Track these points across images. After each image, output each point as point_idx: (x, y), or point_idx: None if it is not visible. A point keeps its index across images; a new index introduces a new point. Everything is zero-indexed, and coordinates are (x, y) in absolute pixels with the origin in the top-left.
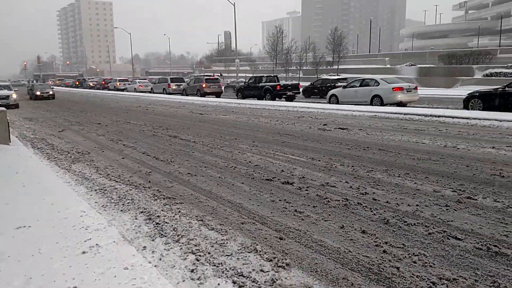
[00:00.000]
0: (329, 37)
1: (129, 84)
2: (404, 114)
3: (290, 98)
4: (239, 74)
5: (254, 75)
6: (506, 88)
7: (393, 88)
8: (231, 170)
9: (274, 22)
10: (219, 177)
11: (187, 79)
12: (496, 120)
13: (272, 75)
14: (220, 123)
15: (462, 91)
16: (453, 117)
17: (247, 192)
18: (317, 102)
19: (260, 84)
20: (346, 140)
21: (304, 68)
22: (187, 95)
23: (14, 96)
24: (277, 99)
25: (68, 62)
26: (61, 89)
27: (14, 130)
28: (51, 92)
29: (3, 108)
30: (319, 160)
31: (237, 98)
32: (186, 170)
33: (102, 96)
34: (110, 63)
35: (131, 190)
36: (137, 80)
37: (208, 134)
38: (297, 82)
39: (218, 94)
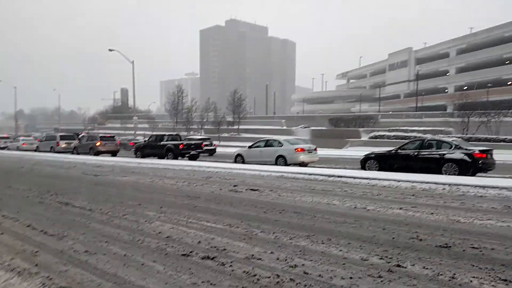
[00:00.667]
0: (229, 98)
1: (10, 141)
2: (309, 174)
3: (194, 157)
4: (138, 132)
5: (155, 133)
6: (398, 150)
7: (295, 149)
8: (139, 245)
9: (172, 82)
10: (125, 255)
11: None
12: (394, 180)
13: (174, 133)
14: (119, 186)
15: (352, 152)
16: (354, 178)
17: (161, 273)
18: (222, 162)
19: (162, 142)
20: (260, 203)
21: (206, 127)
22: (78, 153)
23: None
24: (179, 158)
25: None
26: None
27: None
28: None
29: None
30: (238, 227)
31: (136, 157)
32: (83, 247)
33: None
34: None
35: (12, 278)
36: (21, 138)
37: (106, 199)
38: (201, 141)
39: (114, 153)
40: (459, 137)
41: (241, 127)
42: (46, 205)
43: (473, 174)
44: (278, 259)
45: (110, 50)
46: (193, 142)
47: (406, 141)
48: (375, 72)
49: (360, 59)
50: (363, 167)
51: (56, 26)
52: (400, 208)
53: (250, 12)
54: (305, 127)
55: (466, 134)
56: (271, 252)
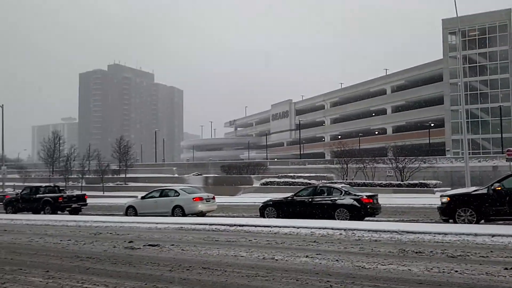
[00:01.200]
0: (115, 145)
1: None
2: (210, 224)
3: (76, 211)
4: (7, 183)
5: (29, 184)
6: (294, 197)
7: (193, 198)
8: None
9: (47, 127)
10: None
11: None
12: (293, 227)
13: (52, 184)
14: None
15: (245, 199)
16: (256, 226)
17: None
18: (100, 215)
19: (38, 195)
20: (163, 260)
21: (87, 176)
22: None
23: None
24: (59, 212)
25: None
26: None
27: None
28: None
29: None
30: None
31: (7, 213)
32: None
33: None
34: None
35: None
36: None
37: None
38: (84, 193)
39: None
40: (347, 183)
41: (128, 175)
42: None
43: (362, 219)
44: None
45: None
46: (74, 194)
47: (296, 187)
48: (260, 121)
49: (246, 108)
50: (262, 215)
51: None
52: (307, 256)
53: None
54: (197, 175)
55: (346, 179)
56: None
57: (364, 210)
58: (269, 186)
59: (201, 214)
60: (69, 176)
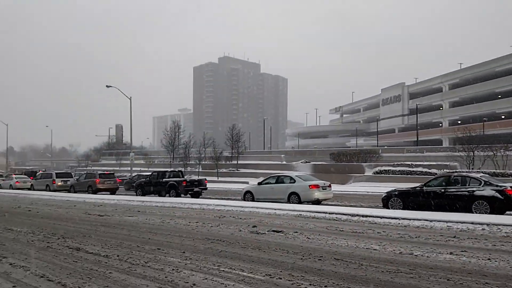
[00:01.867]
0: (227, 133)
1: (3, 180)
2: (329, 213)
3: (196, 195)
4: (134, 168)
5: (157, 169)
6: (424, 187)
7: (309, 186)
8: None
9: (165, 117)
10: None
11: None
12: (426, 220)
13: (176, 170)
14: (129, 227)
15: (357, 188)
16: (381, 217)
17: None
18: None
19: (164, 179)
20: (290, 247)
21: (204, 162)
22: (75, 192)
23: None
24: (182, 195)
25: None
26: None
27: None
28: None
29: None
30: (280, 278)
31: (137, 195)
32: None
33: None
34: None
35: None
36: (14, 176)
37: (119, 243)
38: (204, 178)
39: (113, 191)
40: (487, 173)
41: (239, 162)
42: (55, 251)
43: (503, 212)
44: None
45: (108, 86)
46: (196, 178)
47: (414, 176)
48: (368, 106)
49: (352, 94)
50: (386, 205)
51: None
52: (450, 253)
53: (242, 49)
54: (305, 162)
55: (472, 168)
56: None
57: (508, 203)
58: (383, 175)
59: (317, 202)
60: (187, 162)
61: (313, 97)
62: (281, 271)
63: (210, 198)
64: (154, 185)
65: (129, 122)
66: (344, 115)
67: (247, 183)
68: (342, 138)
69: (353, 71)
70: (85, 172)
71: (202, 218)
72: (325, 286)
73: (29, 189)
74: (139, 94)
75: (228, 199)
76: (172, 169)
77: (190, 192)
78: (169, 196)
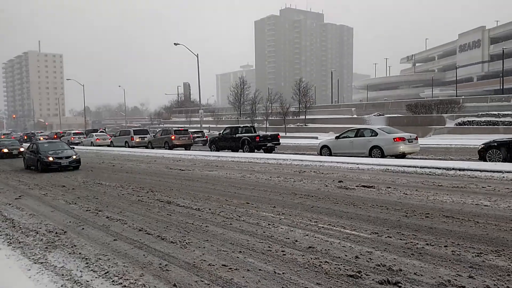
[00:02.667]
0: (294, 88)
1: (84, 137)
2: (420, 167)
3: (270, 150)
4: (203, 125)
5: (230, 125)
6: None
7: (394, 139)
8: (281, 258)
9: (228, 75)
10: (275, 272)
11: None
12: None
13: (249, 125)
14: (212, 181)
15: (438, 141)
16: (481, 171)
17: None
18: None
19: (237, 135)
20: (388, 203)
21: (271, 118)
22: (152, 148)
23: None
24: (255, 150)
25: (14, 116)
26: None
27: None
28: (21, 149)
29: None
30: (389, 236)
31: (210, 150)
32: (216, 259)
33: None
34: (60, 116)
35: None
36: (94, 133)
37: (207, 197)
38: (277, 133)
39: (187, 146)
40: None
41: (307, 117)
42: (146, 204)
43: None
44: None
45: (176, 44)
46: (269, 134)
47: (503, 127)
48: (444, 54)
49: (426, 41)
50: (483, 158)
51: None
52: None
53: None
54: (378, 115)
55: None
56: (470, 277)
57: None
58: (466, 126)
59: (401, 155)
60: (254, 118)
61: (381, 47)
62: (387, 229)
63: (282, 153)
64: (227, 140)
65: (197, 80)
66: (417, 64)
67: (315, 138)
68: (414, 89)
69: (426, 17)
70: (160, 129)
71: (282, 173)
72: (445, 246)
73: (108, 145)
74: (202, 52)
75: (302, 154)
76: (244, 125)
77: (263, 148)
78: (243, 152)
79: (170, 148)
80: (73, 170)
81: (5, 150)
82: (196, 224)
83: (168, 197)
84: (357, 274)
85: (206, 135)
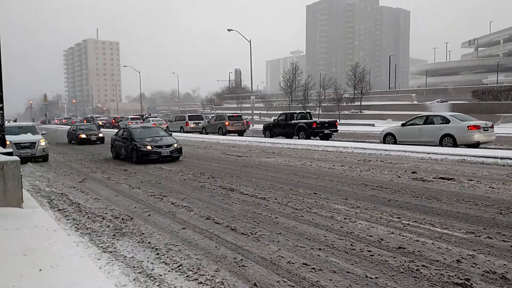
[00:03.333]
0: (349, 73)
1: (141, 122)
2: (501, 158)
3: (326, 137)
4: (255, 111)
5: (285, 112)
6: None
7: (468, 127)
8: (369, 259)
9: (277, 61)
10: (366, 277)
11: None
12: None
13: (304, 111)
14: (271, 168)
15: (509, 129)
16: None
17: None
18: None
19: (292, 121)
20: (475, 198)
21: (324, 104)
22: (207, 133)
23: (43, 142)
24: (311, 138)
25: (74, 101)
26: (67, 127)
27: (24, 180)
28: (100, 135)
29: (15, 158)
30: (489, 237)
31: (264, 137)
32: (294, 256)
33: None
34: (117, 102)
35: None
36: (150, 118)
37: (270, 185)
38: (335, 119)
39: (241, 133)
40: None
41: (362, 103)
42: (209, 190)
43: None
44: None
45: (229, 30)
46: (326, 120)
47: None
48: (510, 37)
49: (490, 24)
50: None
51: (169, 6)
52: None
53: None
54: (441, 101)
55: None
56: None
57: None
58: None
59: (475, 145)
60: (306, 105)
61: (440, 32)
62: (484, 228)
63: (339, 141)
64: (282, 127)
65: (247, 66)
66: (480, 49)
67: (372, 125)
68: (476, 75)
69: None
70: (214, 115)
71: (345, 162)
72: None
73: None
74: (251, 38)
75: (361, 141)
76: (300, 111)
77: (320, 135)
78: (298, 138)
79: (224, 134)
80: (171, 161)
81: (83, 136)
82: (264, 214)
83: (230, 184)
84: (466, 282)
85: (246, 121)
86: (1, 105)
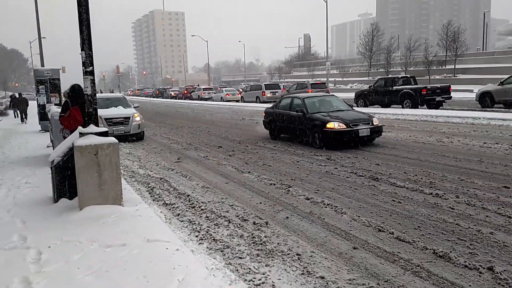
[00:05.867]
0: (440, 32)
1: (214, 93)
2: None
3: (437, 105)
4: (330, 79)
5: (383, 77)
6: None
7: None
8: None
9: (344, 25)
10: None
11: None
12: None
13: (408, 75)
14: (400, 146)
15: None
16: None
17: None
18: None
19: (395, 87)
20: None
21: (410, 69)
22: None
23: (137, 117)
24: (419, 106)
25: (144, 72)
26: (141, 99)
27: None
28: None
29: (113, 140)
30: None
31: (357, 106)
32: None
33: (190, 107)
34: (184, 73)
35: None
36: (224, 89)
37: (425, 173)
38: (448, 84)
39: None
40: None
41: (457, 66)
42: (341, 179)
43: None
44: None
45: None
46: (438, 85)
47: None
48: None
49: None
50: None
51: None
52: None
53: None
54: None
55: None
56: None
57: None
58: None
59: None
60: (389, 70)
61: None
62: None
63: (452, 109)
64: (381, 94)
65: (325, 29)
66: None
67: (470, 91)
68: None
69: None
70: (295, 83)
71: (492, 137)
72: None
73: (237, 101)
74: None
75: (474, 109)
76: (402, 75)
77: (432, 102)
78: (402, 108)
79: None
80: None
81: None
82: (464, 225)
83: (371, 172)
84: None
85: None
86: (91, 68)
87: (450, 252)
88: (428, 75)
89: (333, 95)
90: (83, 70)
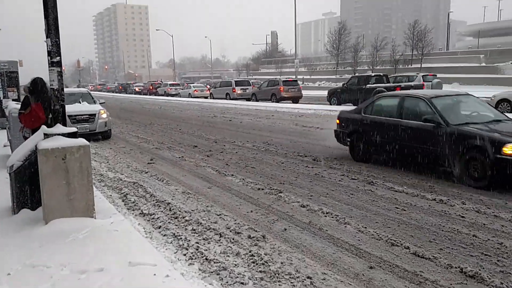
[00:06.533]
0: (407, 31)
1: (181, 89)
2: None
3: None
4: (298, 76)
5: (356, 75)
6: None
7: None
8: None
9: (309, 24)
10: None
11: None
12: None
13: (380, 74)
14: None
15: None
16: None
17: None
18: None
19: (367, 85)
20: None
21: (377, 67)
22: (257, 100)
23: (104, 114)
24: None
25: (106, 67)
26: (104, 94)
27: None
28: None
29: (83, 142)
30: None
31: (330, 104)
32: None
33: (157, 103)
34: (148, 68)
35: None
36: (192, 85)
37: (416, 174)
38: (421, 83)
39: (296, 99)
40: None
41: (423, 65)
42: (335, 184)
43: None
44: None
45: None
46: (411, 84)
47: None
48: None
49: None
50: None
51: None
52: None
53: None
54: None
55: None
56: None
57: None
58: None
59: None
60: (356, 68)
61: None
62: None
63: None
64: (354, 92)
65: (291, 26)
66: None
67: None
68: None
69: None
70: (266, 80)
71: None
72: None
73: (206, 97)
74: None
75: None
76: (375, 74)
77: None
78: None
79: (278, 101)
80: None
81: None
82: (482, 236)
83: (359, 174)
84: None
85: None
86: (58, 58)
87: (479, 270)
88: (395, 73)
89: (469, 94)
90: (48, 60)
